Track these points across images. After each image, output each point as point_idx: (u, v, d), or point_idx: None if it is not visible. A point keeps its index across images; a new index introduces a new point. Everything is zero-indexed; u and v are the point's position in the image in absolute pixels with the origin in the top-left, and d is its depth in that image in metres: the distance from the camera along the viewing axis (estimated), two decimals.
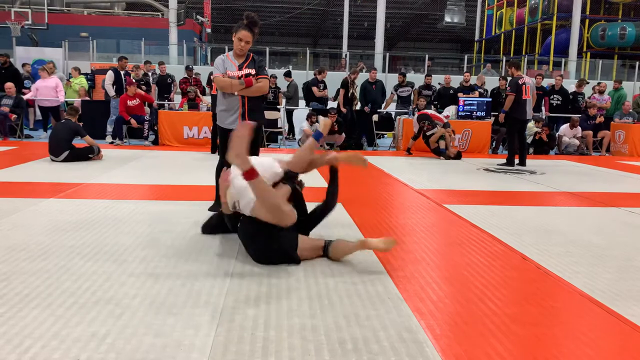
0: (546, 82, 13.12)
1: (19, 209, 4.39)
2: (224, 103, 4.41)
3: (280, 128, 11.53)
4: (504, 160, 8.84)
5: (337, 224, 4.26)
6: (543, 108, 12.02)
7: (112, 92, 10.64)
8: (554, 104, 12.18)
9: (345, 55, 23.64)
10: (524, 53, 26.64)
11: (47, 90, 10.98)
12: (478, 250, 3.63)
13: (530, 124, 11.21)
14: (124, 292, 2.65)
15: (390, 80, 15.01)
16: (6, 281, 2.74)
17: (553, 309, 2.65)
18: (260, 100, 4.51)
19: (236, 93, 4.32)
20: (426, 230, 4.22)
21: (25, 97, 11.03)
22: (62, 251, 3.29)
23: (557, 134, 11.49)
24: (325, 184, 3.76)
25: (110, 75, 10.73)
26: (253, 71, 4.33)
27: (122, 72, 10.81)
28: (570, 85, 13.41)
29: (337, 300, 2.64)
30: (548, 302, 2.74)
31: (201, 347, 2.09)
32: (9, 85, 10.41)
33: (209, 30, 26.83)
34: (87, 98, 11.96)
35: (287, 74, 13.03)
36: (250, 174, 2.91)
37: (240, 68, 4.34)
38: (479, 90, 12.20)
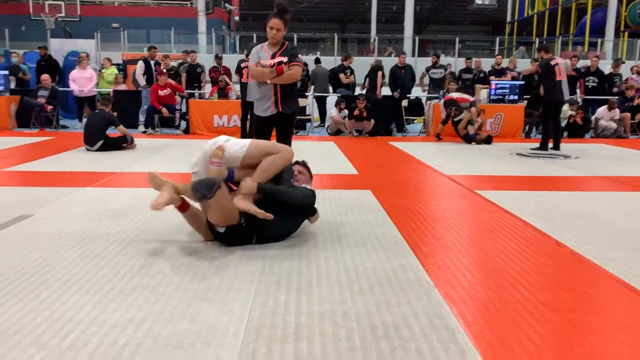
0: (581, 64, 12.75)
1: (57, 198, 4.52)
2: (258, 92, 4.47)
3: (309, 115, 11.52)
4: (537, 145, 8.66)
5: (367, 210, 4.26)
6: (578, 90, 11.72)
7: (142, 82, 10.80)
8: (590, 86, 11.85)
9: (374, 39, 23.41)
10: (557, 34, 25.91)
11: (83, 80, 11.22)
12: (510, 237, 3.58)
13: (565, 107, 10.94)
14: (159, 278, 2.71)
15: (420, 65, 14.80)
16: (47, 267, 2.83)
17: (588, 296, 2.61)
18: (292, 88, 4.53)
19: (268, 81, 4.35)
20: (457, 216, 4.19)
21: (73, 90, 11.27)
22: (98, 239, 3.39)
23: (594, 116, 11.19)
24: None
25: (140, 65, 10.89)
26: (285, 59, 4.34)
27: (152, 62, 10.95)
28: (607, 67, 13.03)
29: (367, 287, 2.65)
30: (583, 288, 2.69)
31: (234, 333, 2.13)
32: (45, 77, 10.66)
33: (237, 18, 26.92)
34: (124, 86, 12.11)
35: (317, 61, 12.98)
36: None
37: (273, 57, 4.36)
38: (512, 73, 11.95)
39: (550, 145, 8.51)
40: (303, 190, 3.46)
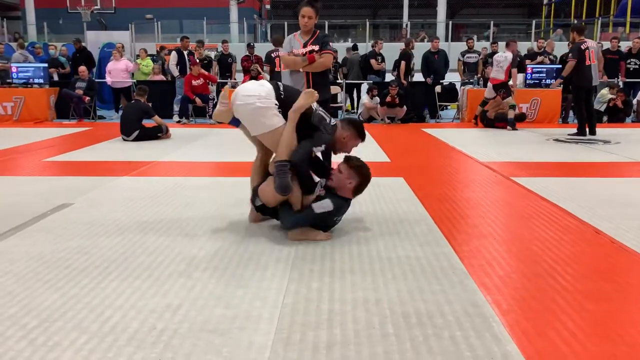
0: (623, 46, 12.31)
1: (96, 187, 4.64)
2: (291, 80, 4.49)
3: (340, 103, 11.49)
4: (575, 130, 8.43)
5: (399, 198, 4.23)
6: (619, 73, 11.33)
7: (176, 72, 10.94)
8: (631, 69, 11.44)
9: (406, 25, 23.10)
10: (597, 15, 25.02)
11: (118, 72, 11.44)
12: (547, 224, 3.51)
13: (604, 91, 10.59)
14: (195, 265, 2.76)
15: (453, 50, 14.55)
16: (87, 254, 2.92)
17: (628, 285, 2.54)
18: (324, 76, 4.51)
19: (300, 70, 4.37)
20: (492, 204, 4.13)
21: (108, 81, 11.51)
22: (136, 226, 3.47)
23: (636, 99, 10.81)
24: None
25: (173, 56, 11.03)
26: (317, 47, 4.34)
27: (185, 52, 11.07)
28: None
29: (400, 274, 2.64)
30: (623, 278, 2.63)
31: (269, 319, 2.16)
32: (82, 68, 10.90)
33: (268, 6, 26.92)
34: (162, 77, 12.29)
35: (354, 48, 12.88)
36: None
37: (305, 45, 4.38)
38: (549, 57, 11.63)
39: (587, 130, 8.29)
40: (322, 204, 3.14)
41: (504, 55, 9.30)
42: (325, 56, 4.35)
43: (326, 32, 19.90)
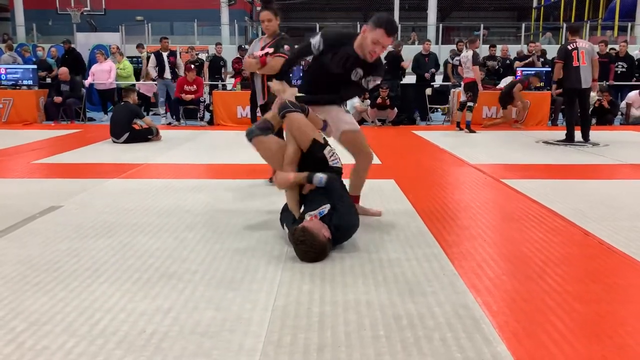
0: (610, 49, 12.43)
1: (85, 189, 4.61)
2: (255, 81, 4.65)
3: None
4: (564, 136, 8.02)
5: (390, 200, 4.24)
6: (609, 76, 11.43)
7: (154, 73, 10.80)
8: (619, 72, 11.56)
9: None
10: (586, 19, 25.25)
11: (101, 74, 11.35)
12: (537, 226, 3.53)
13: (592, 94, 10.67)
14: (185, 267, 2.75)
15: (443, 52, 14.61)
16: (76, 257, 2.90)
17: (617, 286, 2.56)
18: (280, 79, 4.35)
19: (258, 72, 4.48)
20: (482, 206, 4.14)
21: (88, 82, 11.42)
22: (126, 229, 3.45)
23: (624, 102, 10.90)
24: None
25: (152, 59, 10.86)
26: (271, 50, 4.38)
27: (165, 54, 10.84)
28: (636, 52, 12.69)
29: (391, 276, 2.65)
30: (612, 279, 2.65)
31: (259, 321, 2.15)
32: (63, 70, 10.77)
33: (259, 8, 26.88)
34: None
35: None
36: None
37: (263, 48, 4.45)
38: (541, 59, 11.73)
39: (579, 134, 7.99)
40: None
41: (466, 55, 9.28)
42: (275, 59, 4.32)
43: (284, 35, 19.90)
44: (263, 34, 4.67)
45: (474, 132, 9.21)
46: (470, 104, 9.22)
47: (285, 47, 4.38)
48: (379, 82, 3.52)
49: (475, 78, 9.13)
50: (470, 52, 9.15)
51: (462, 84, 9.52)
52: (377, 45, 3.18)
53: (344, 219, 3.01)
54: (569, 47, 7.75)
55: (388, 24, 3.16)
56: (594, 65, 7.76)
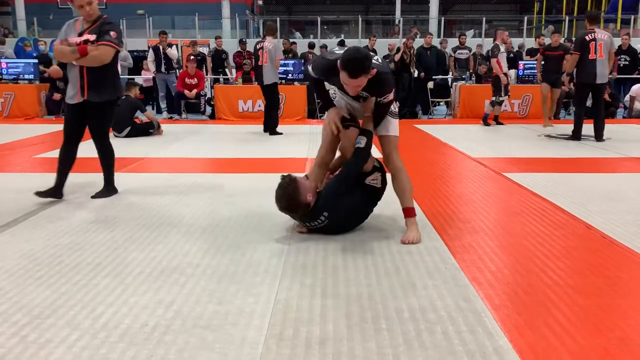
0: (616, 42, 12.37)
1: (88, 183, 4.61)
2: (68, 75, 3.90)
3: None
4: (570, 132, 7.50)
5: (392, 195, 4.23)
6: (613, 70, 11.37)
7: (153, 68, 10.76)
8: (622, 65, 11.50)
9: (399, 21, 23.08)
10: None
11: None
12: (539, 220, 3.53)
13: None
14: (188, 261, 2.76)
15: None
16: (80, 251, 2.90)
17: (619, 280, 2.56)
18: (105, 72, 3.86)
19: (75, 63, 3.79)
20: (484, 199, 4.14)
21: None
22: (128, 222, 3.45)
23: (628, 95, 10.86)
24: None
25: (150, 54, 10.82)
26: (92, 37, 3.74)
27: (161, 48, 10.82)
28: (639, 45, 12.63)
29: (393, 270, 2.65)
30: (614, 272, 2.65)
31: (261, 314, 2.16)
32: (52, 69, 10.65)
33: (260, 2, 26.82)
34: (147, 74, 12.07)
35: (341, 44, 12.86)
36: None
37: (81, 34, 3.79)
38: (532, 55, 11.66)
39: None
40: None
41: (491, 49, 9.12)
42: (102, 48, 3.71)
43: (318, 28, 19.89)
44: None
45: (489, 124, 9.19)
46: (493, 98, 9.17)
47: (112, 33, 3.78)
48: (391, 97, 3.18)
49: (495, 72, 9.00)
50: (495, 46, 8.94)
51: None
52: (348, 86, 2.88)
53: (329, 200, 3.12)
54: (587, 38, 7.07)
55: (349, 65, 2.75)
56: (610, 58, 7.24)
